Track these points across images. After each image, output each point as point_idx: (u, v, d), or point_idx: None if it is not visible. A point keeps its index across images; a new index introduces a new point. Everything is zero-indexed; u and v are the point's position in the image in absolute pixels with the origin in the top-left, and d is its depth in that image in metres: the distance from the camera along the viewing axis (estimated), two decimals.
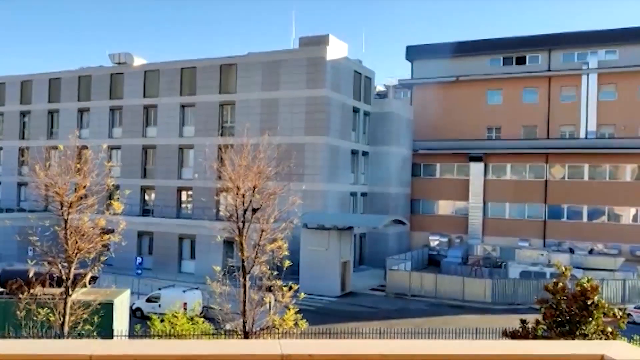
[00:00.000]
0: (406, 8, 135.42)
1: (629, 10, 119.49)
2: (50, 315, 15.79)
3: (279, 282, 15.44)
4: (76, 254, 15.41)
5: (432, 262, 49.22)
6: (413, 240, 54.14)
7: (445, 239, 53.05)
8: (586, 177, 50.13)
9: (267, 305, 15.66)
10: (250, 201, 15.43)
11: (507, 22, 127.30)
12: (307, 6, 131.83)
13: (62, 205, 15.55)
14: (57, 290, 16.31)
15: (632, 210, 48.80)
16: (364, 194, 49.98)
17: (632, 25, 51.05)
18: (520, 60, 54.59)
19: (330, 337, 21.80)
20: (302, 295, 16.30)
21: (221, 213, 38.15)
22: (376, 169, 50.58)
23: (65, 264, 15.52)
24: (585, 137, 50.70)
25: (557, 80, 52.35)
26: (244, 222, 15.41)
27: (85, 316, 16.06)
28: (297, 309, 15.46)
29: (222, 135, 45.37)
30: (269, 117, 43.98)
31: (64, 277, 15.55)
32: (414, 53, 58.13)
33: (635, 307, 32.44)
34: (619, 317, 15.45)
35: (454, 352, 2.83)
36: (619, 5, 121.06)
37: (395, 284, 38.67)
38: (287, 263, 15.76)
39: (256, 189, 15.50)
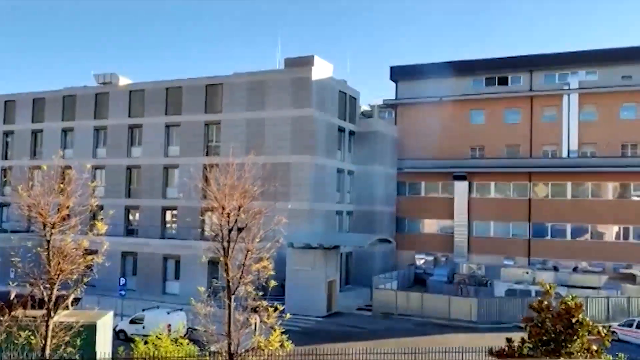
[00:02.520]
0: (390, 30, 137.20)
1: (608, 32, 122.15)
2: (32, 337, 15.54)
3: (265, 303, 15.35)
4: (59, 275, 15.24)
5: (418, 281, 49.22)
6: (399, 259, 54.20)
7: (431, 258, 53.15)
8: (569, 196, 50.72)
9: (253, 327, 15.54)
10: (236, 221, 15.39)
11: (490, 43, 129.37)
12: (292, 28, 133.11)
13: (44, 226, 15.40)
14: (39, 312, 16.07)
15: (615, 228, 49.35)
16: (349, 213, 50.03)
17: (612, 47, 52.12)
18: (502, 81, 55.39)
19: (316, 358, 21.65)
20: (288, 315, 16.22)
21: (206, 233, 38.02)
22: (362, 187, 50.73)
23: (48, 286, 15.33)
24: (568, 156, 51.38)
25: (539, 101, 53.16)
26: (229, 242, 15.35)
27: (67, 339, 15.82)
28: (283, 330, 15.35)
29: (207, 154, 45.32)
30: (254, 137, 44.07)
31: (46, 298, 15.34)
32: (398, 74, 58.75)
33: (619, 325, 32.61)
34: (603, 335, 15.55)
35: None
36: (599, 27, 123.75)
37: (381, 303, 38.57)
38: (272, 283, 15.69)
39: (241, 209, 15.47)
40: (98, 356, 19.65)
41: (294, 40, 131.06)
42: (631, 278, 45.06)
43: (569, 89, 51.87)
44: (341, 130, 48.60)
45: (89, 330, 18.88)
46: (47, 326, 15.38)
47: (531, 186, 51.92)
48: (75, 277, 15.75)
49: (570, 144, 51.50)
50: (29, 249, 16.66)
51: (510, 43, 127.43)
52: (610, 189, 49.70)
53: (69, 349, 16.09)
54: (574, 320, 15.21)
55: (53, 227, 15.36)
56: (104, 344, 20.93)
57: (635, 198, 48.57)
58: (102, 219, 17.09)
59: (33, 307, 16.23)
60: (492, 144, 54.15)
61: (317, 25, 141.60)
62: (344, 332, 33.43)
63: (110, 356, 21.19)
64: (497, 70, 55.27)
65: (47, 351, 15.39)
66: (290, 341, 15.64)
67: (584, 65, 52.45)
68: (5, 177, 54.46)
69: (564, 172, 50.32)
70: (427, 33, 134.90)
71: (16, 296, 17.81)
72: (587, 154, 51.49)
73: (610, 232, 49.56)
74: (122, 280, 36.59)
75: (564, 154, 51.69)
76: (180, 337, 23.40)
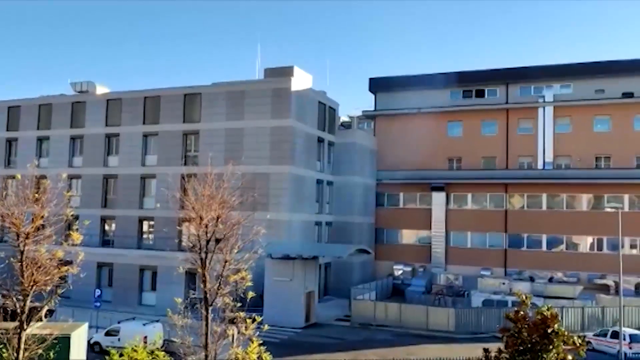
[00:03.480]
0: (370, 42, 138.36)
1: (582, 47, 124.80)
2: (4, 350, 15.21)
3: (243, 314, 15.25)
4: (32, 286, 14.95)
5: (396, 292, 49.31)
6: (377, 269, 54.30)
7: (409, 268, 53.35)
8: (544, 207, 51.42)
9: (230, 338, 15.41)
10: (214, 231, 15.29)
11: (467, 56, 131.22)
12: (272, 38, 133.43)
13: (18, 236, 15.12)
14: (11, 325, 15.76)
15: (589, 239, 50.10)
16: (328, 224, 50.05)
17: (586, 61, 53.29)
18: (479, 94, 56.16)
19: None
20: (266, 327, 16.11)
21: (183, 243, 37.59)
22: (341, 198, 50.84)
23: (21, 297, 15.04)
24: (543, 168, 52.15)
25: (515, 113, 53.96)
26: (206, 253, 15.24)
27: (40, 351, 15.51)
28: (261, 341, 15.27)
29: (185, 164, 45.06)
30: (233, 147, 43.91)
31: (18, 310, 15.04)
32: (376, 85, 59.20)
33: (594, 335, 33.04)
34: (578, 344, 15.71)
35: None
36: (573, 41, 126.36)
37: (360, 314, 38.55)
38: (250, 294, 15.60)
39: (220, 219, 15.38)
40: None
41: (274, 51, 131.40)
42: (605, 288, 45.76)
43: (544, 102, 52.78)
44: (320, 141, 48.72)
45: (63, 343, 18.57)
46: (19, 339, 15.07)
47: (507, 197, 52.54)
48: (49, 288, 15.47)
49: (545, 156, 52.31)
50: (1, 260, 16.35)
51: (487, 56, 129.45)
52: (584, 200, 50.53)
53: None
54: (549, 330, 15.36)
55: (27, 237, 15.10)
56: (78, 356, 20.58)
57: (609, 209, 49.43)
58: (77, 229, 16.82)
59: (5, 319, 15.92)
60: (469, 155, 54.77)
61: (297, 36, 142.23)
62: (322, 343, 33.32)
63: None
64: (474, 83, 56.05)
65: None
66: (269, 352, 15.56)
67: (558, 79, 53.47)
68: None
69: (539, 183, 51.06)
70: (406, 46, 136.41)
71: None
72: (562, 166, 52.36)
73: (585, 243, 50.30)
74: (98, 292, 36.07)
75: (540, 165, 52.46)
76: (157, 349, 23.08)
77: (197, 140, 46.49)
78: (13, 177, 18.38)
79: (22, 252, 15.04)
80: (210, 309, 14.92)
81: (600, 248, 49.60)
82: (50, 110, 52.62)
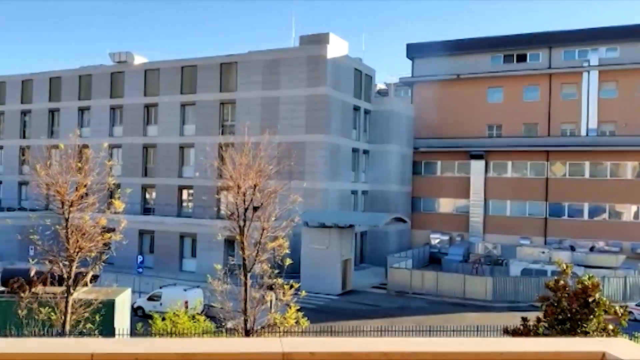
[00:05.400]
0: (407, 6, 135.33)
1: (629, 8, 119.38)
2: (52, 314, 15.81)
3: (280, 281, 15.47)
4: (77, 252, 15.44)
5: (433, 260, 49.18)
6: (414, 238, 54.13)
7: (446, 237, 53.00)
8: (587, 175, 50.08)
9: (268, 304, 15.68)
10: (251, 199, 15.45)
11: (508, 20, 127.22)
12: (307, 5, 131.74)
13: (63, 204, 15.56)
14: (59, 289, 16.34)
15: (633, 208, 48.73)
16: (364, 192, 49.97)
17: (633, 23, 50.96)
18: (521, 58, 54.50)
19: (331, 335, 21.81)
20: (303, 293, 16.34)
21: (222, 211, 38.18)
22: (377, 167, 50.56)
23: (67, 263, 15.55)
24: (586, 135, 50.62)
25: (558, 78, 52.27)
26: (244, 221, 15.44)
27: (86, 315, 16.09)
28: (298, 307, 15.49)
29: (222, 133, 45.32)
30: (269, 116, 43.96)
31: (65, 275, 15.58)
32: (414, 51, 58.05)
33: (636, 305, 32.40)
34: (620, 314, 15.40)
35: (455, 349, 2.83)
36: (619, 2, 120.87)
37: (396, 282, 38.68)
38: (287, 261, 15.80)
39: (257, 188, 15.52)
40: (116, 332, 19.97)
41: (309, 17, 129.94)
42: None
43: (589, 66, 50.90)
44: (356, 109, 48.30)
45: (108, 307, 19.17)
46: (66, 303, 15.64)
47: (549, 165, 51.32)
48: (93, 254, 15.95)
49: (589, 122, 50.73)
50: (47, 227, 16.87)
51: (529, 19, 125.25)
52: (629, 168, 48.95)
53: (88, 325, 16.38)
54: (590, 300, 15.08)
55: (71, 205, 15.53)
56: (122, 320, 21.26)
57: None
58: (119, 197, 17.21)
59: (53, 284, 16.49)
60: (510, 122, 53.51)
61: (332, 2, 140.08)
62: (358, 309, 33.63)
63: (129, 332, 21.53)
64: (515, 47, 54.35)
65: (67, 327, 15.66)
66: (306, 318, 15.78)
67: (604, 42, 51.38)
68: (23, 156, 55.07)
69: (582, 150, 49.62)
70: (445, 10, 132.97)
71: (36, 273, 18.13)
72: (606, 133, 50.71)
73: (629, 211, 48.94)
74: (140, 258, 37.07)
75: (583, 132, 50.94)
76: (197, 314, 23.71)
77: (233, 110, 46.71)
78: (56, 147, 18.79)
79: (67, 220, 15.49)
80: (249, 275, 15.16)
81: None
82: (90, 81, 53.54)
